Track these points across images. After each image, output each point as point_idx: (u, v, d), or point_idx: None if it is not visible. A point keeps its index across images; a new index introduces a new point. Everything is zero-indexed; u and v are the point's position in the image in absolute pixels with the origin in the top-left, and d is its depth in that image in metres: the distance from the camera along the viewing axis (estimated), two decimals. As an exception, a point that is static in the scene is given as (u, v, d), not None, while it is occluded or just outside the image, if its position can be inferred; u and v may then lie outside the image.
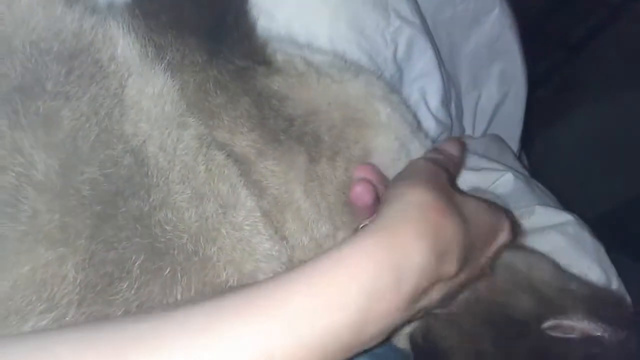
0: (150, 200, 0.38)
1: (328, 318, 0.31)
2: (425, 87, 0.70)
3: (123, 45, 0.41)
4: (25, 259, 0.34)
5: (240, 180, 0.43)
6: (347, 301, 0.32)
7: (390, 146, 0.49)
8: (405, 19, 0.67)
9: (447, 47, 0.77)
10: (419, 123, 0.61)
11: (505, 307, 0.42)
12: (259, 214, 0.43)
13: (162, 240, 0.38)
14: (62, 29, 0.39)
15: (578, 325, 0.39)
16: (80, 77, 0.38)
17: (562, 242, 0.58)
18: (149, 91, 0.41)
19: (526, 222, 0.60)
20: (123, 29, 0.42)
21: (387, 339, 0.35)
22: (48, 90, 0.37)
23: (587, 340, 0.38)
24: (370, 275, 0.32)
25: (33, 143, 0.35)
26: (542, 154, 1.10)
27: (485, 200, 0.43)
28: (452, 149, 0.52)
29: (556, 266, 0.48)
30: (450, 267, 0.36)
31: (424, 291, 0.35)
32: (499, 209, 0.44)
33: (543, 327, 0.39)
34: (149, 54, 0.43)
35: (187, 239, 0.39)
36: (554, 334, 0.39)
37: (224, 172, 0.42)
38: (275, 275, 0.35)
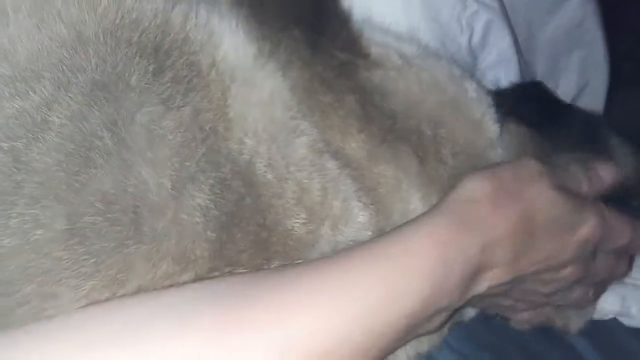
0: (266, 223, 0.35)
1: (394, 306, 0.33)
2: (499, 77, 0.66)
3: (227, 45, 0.38)
4: (150, 272, 0.33)
5: (354, 192, 0.40)
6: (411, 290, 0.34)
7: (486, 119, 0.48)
8: (483, 3, 0.62)
9: (523, 32, 0.72)
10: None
11: None
12: (369, 233, 0.40)
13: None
14: (140, 18, 0.35)
15: None
16: (175, 80, 0.35)
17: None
18: (254, 99, 0.37)
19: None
20: (228, 24, 0.38)
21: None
22: (133, 86, 0.33)
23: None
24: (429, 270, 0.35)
25: (140, 160, 0.32)
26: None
27: (569, 198, 0.41)
28: (607, 175, 0.46)
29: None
30: (499, 256, 0.37)
31: (473, 280, 0.37)
32: (582, 206, 0.41)
33: None
34: (259, 51, 0.39)
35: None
36: None
37: (338, 186, 0.39)
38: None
